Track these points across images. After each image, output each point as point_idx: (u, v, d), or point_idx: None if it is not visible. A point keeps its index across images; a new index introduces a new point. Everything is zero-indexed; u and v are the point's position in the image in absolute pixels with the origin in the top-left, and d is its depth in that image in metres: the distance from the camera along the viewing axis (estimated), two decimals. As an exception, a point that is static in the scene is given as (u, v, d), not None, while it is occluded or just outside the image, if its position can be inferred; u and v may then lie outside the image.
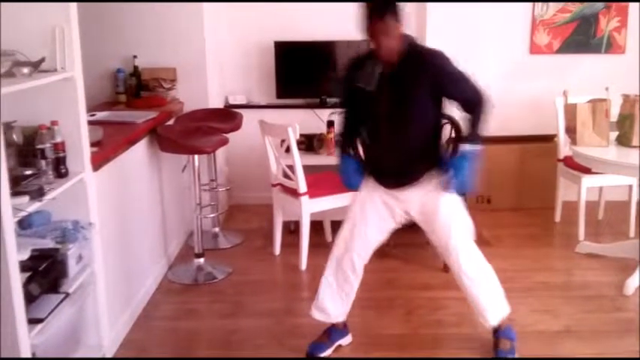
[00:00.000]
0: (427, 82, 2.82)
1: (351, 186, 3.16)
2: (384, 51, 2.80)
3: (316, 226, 4.55)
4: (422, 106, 2.88)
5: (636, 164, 3.77)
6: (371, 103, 2.93)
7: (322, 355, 3.22)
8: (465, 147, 2.89)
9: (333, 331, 3.28)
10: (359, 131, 3.10)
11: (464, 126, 2.98)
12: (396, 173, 3.01)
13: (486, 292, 3.10)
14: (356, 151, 3.14)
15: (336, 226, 4.70)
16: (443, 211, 2.98)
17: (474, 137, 2.90)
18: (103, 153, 3.14)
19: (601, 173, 4.41)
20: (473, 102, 2.88)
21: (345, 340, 3.32)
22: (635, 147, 3.94)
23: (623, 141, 4.03)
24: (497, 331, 3.18)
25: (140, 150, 3.83)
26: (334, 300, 3.21)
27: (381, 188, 3.06)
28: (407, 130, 2.90)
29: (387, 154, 2.98)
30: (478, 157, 2.88)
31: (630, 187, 4.84)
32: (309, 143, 5.00)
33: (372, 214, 3.08)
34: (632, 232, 4.83)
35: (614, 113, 4.13)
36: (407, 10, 2.80)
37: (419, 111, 2.88)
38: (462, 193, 3.01)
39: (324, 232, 4.77)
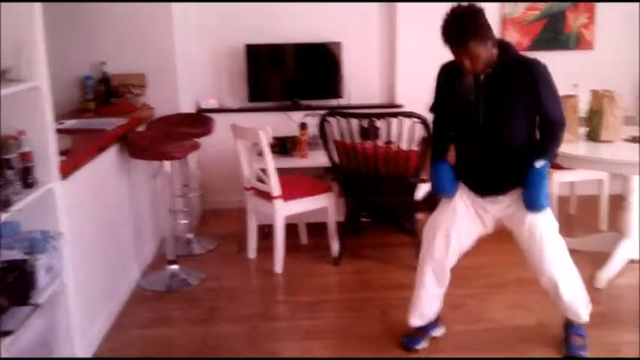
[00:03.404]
0: (526, 91, 2.83)
1: (446, 192, 3.09)
2: (471, 70, 2.80)
3: (291, 229, 4.54)
4: (518, 114, 2.88)
5: (605, 159, 3.80)
6: (467, 111, 2.92)
7: (418, 347, 3.25)
8: (541, 163, 2.89)
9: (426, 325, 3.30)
10: (449, 136, 3.11)
11: (537, 143, 2.97)
12: (487, 180, 3.02)
13: (578, 293, 3.14)
14: (447, 157, 3.12)
15: (312, 228, 4.75)
16: (530, 222, 2.99)
17: (550, 155, 2.95)
18: (72, 161, 3.10)
19: (572, 169, 4.45)
20: (555, 122, 2.91)
21: (437, 332, 3.35)
22: (604, 142, 3.98)
23: (593, 136, 4.07)
24: (568, 328, 3.23)
25: (110, 157, 3.79)
26: (433, 305, 3.24)
27: (472, 194, 3.06)
28: (501, 137, 2.91)
29: (479, 161, 2.98)
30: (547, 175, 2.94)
31: (601, 181, 4.90)
32: (283, 146, 4.98)
33: (464, 219, 3.07)
34: (603, 226, 4.90)
35: (584, 109, 4.17)
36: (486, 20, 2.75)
37: (514, 119, 2.89)
38: (539, 209, 2.97)
39: (300, 235, 4.76)
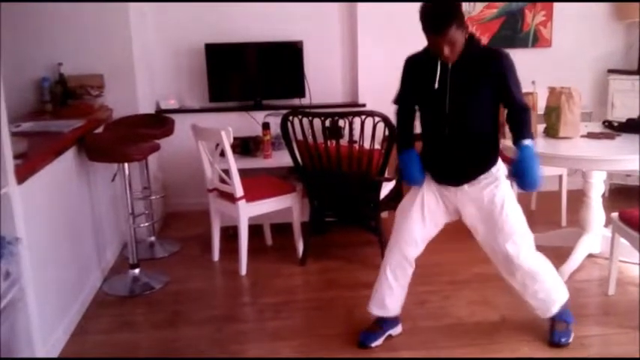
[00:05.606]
0: (491, 80, 2.87)
1: (415, 181, 3.11)
2: (449, 57, 2.81)
3: (256, 230, 4.51)
4: (482, 103, 2.92)
5: (565, 155, 3.85)
6: (432, 100, 2.95)
7: (373, 344, 3.24)
8: (526, 142, 2.89)
9: (385, 322, 3.29)
10: (413, 127, 3.13)
11: (510, 129, 3.00)
12: (454, 169, 3.04)
13: (549, 288, 3.16)
14: (413, 146, 3.14)
15: (276, 228, 4.73)
16: (502, 213, 3.02)
17: (530, 134, 2.95)
18: (28, 165, 3.01)
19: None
20: (525, 107, 2.95)
21: (396, 330, 3.34)
22: (562, 138, 4.04)
23: (551, 133, 4.12)
24: (554, 314, 3.24)
25: (68, 160, 3.71)
26: (394, 295, 3.24)
27: (437, 183, 3.10)
28: (467, 126, 2.94)
29: (446, 150, 3.01)
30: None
31: (560, 177, 4.98)
32: (245, 146, 4.95)
33: (431, 207, 3.10)
34: (564, 221, 4.98)
35: (541, 106, 4.23)
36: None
37: (479, 108, 2.93)
38: (535, 187, 2.95)
39: (265, 236, 4.73)
